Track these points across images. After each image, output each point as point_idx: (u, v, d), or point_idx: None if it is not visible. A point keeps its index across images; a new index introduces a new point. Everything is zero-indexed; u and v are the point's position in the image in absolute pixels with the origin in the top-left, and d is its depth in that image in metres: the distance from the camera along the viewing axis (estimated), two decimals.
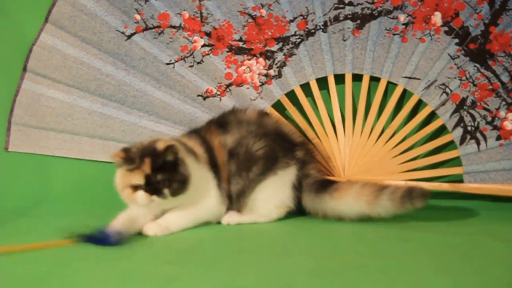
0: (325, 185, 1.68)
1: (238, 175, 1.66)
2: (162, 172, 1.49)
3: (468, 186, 1.90)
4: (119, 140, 1.97)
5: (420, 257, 1.29)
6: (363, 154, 1.93)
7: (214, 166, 1.65)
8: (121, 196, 1.54)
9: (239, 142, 1.68)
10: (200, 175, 1.59)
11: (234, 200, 1.67)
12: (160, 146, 1.51)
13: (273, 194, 1.69)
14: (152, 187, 1.49)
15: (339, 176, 1.93)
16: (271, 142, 1.70)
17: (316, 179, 1.71)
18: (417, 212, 1.70)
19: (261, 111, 1.82)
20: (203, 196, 1.61)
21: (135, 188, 1.50)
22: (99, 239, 1.41)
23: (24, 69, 1.97)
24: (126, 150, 1.53)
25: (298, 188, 1.70)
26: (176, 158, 1.52)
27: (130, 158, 1.50)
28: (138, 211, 1.56)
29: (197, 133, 1.73)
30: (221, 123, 1.73)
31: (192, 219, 1.60)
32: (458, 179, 1.93)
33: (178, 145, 1.53)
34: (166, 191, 1.49)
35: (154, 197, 1.49)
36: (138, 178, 1.49)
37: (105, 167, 1.98)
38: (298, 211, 1.73)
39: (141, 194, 1.49)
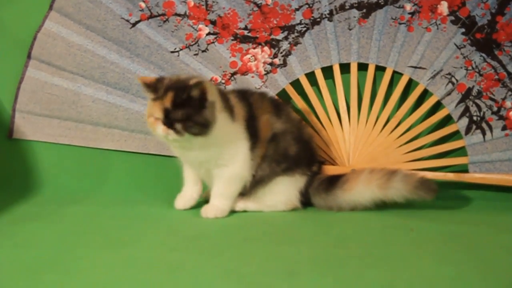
0: (333, 181, 1.69)
1: (268, 163, 1.66)
2: (183, 108, 1.48)
3: (473, 176, 1.90)
4: (123, 128, 1.97)
5: (424, 246, 1.29)
6: (368, 144, 1.92)
7: (252, 133, 1.64)
8: (148, 125, 1.55)
9: (283, 134, 1.68)
10: (229, 130, 1.59)
11: (250, 184, 1.66)
12: (192, 81, 1.50)
13: (283, 190, 1.69)
14: (170, 121, 1.49)
15: (343, 165, 1.93)
16: (303, 149, 1.72)
17: (322, 179, 1.71)
18: (422, 202, 1.70)
19: (301, 120, 1.86)
20: (233, 154, 1.61)
21: (157, 119, 1.50)
22: None
23: (29, 56, 1.96)
24: (158, 79, 1.54)
25: (304, 194, 1.71)
26: (202, 98, 1.49)
27: (154, 87, 1.51)
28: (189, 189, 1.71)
29: (244, 95, 1.70)
30: (275, 105, 1.73)
31: (232, 189, 1.63)
32: (463, 169, 1.92)
33: (209, 85, 1.52)
34: (178, 126, 1.49)
35: (171, 132, 1.49)
36: (159, 111, 1.49)
37: (109, 155, 1.98)
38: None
39: (159, 126, 1.50)
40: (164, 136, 1.51)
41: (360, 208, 1.65)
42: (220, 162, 1.60)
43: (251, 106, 1.67)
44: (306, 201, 1.73)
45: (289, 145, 1.68)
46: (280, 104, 1.76)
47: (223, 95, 1.61)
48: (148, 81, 1.52)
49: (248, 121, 1.64)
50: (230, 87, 1.96)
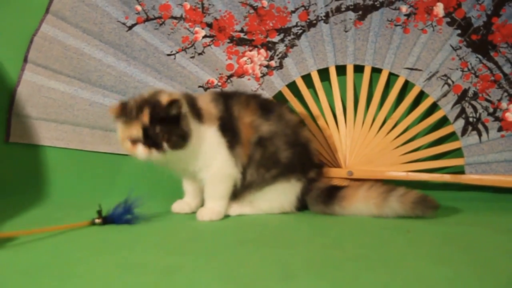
0: (331, 194, 1.67)
1: (255, 169, 1.64)
2: (161, 124, 1.48)
3: (470, 178, 1.90)
4: None
5: (421, 248, 1.29)
6: (365, 145, 1.93)
7: (229, 132, 1.62)
8: (123, 149, 1.55)
9: (272, 138, 1.66)
10: (198, 132, 1.57)
11: (238, 188, 1.66)
12: (164, 99, 1.49)
13: (277, 196, 1.69)
14: (150, 140, 1.48)
15: (340, 167, 1.93)
16: (297, 155, 1.69)
17: (321, 190, 1.70)
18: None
19: (302, 120, 1.87)
20: (211, 154, 1.60)
21: (134, 141, 1.50)
22: (115, 218, 1.50)
23: (25, 60, 1.97)
24: (123, 103, 1.52)
25: (300, 200, 1.70)
26: (178, 113, 1.49)
27: (127, 110, 1.50)
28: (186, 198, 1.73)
29: (220, 96, 1.68)
30: (264, 106, 1.70)
31: (220, 188, 1.63)
32: (460, 171, 1.92)
33: (182, 100, 1.51)
34: (164, 144, 1.48)
35: (153, 151, 1.49)
36: (136, 131, 1.48)
37: (106, 158, 1.98)
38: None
39: (140, 147, 1.49)
40: (146, 157, 1.50)
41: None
42: (201, 164, 1.60)
43: (228, 106, 1.65)
44: (302, 207, 1.72)
45: (280, 150, 1.66)
46: (271, 105, 1.73)
47: (189, 100, 1.59)
48: (116, 106, 1.52)
49: (223, 120, 1.62)
50: (226, 89, 1.96)
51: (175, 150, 1.50)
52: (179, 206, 1.73)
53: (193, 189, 1.72)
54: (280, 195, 1.68)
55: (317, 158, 1.82)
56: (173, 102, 1.48)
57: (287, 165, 1.66)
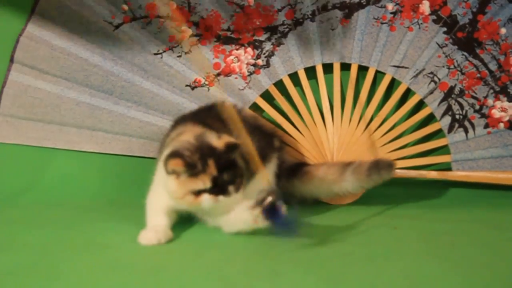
0: (295, 170, 1.70)
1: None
2: (226, 171, 1.40)
3: (457, 174, 1.91)
4: (107, 130, 1.96)
5: (408, 244, 1.30)
6: (352, 143, 1.93)
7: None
8: (180, 203, 1.42)
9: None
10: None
11: None
12: (218, 144, 1.42)
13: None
14: (218, 188, 1.39)
15: None
16: (257, 140, 1.58)
17: (288, 165, 1.71)
18: (405, 200, 1.71)
19: (236, 106, 1.77)
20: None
21: (198, 192, 1.39)
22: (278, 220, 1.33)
23: (11, 60, 1.96)
24: (181, 156, 1.38)
25: (279, 175, 1.68)
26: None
27: (191, 164, 1.37)
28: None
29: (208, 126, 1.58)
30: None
31: None
32: (447, 167, 1.93)
33: (236, 141, 1.43)
34: (231, 188, 1.39)
35: (220, 197, 1.39)
36: (204, 182, 1.38)
37: (93, 157, 1.98)
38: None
39: (206, 197, 1.38)
40: (212, 205, 1.39)
41: (321, 200, 1.71)
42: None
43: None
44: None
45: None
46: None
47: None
48: (180, 163, 1.37)
49: None
50: (213, 88, 1.96)
51: (239, 191, 1.42)
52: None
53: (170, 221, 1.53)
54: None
55: (268, 125, 1.81)
56: (230, 145, 1.41)
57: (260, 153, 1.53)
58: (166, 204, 1.45)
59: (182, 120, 1.69)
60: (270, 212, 1.30)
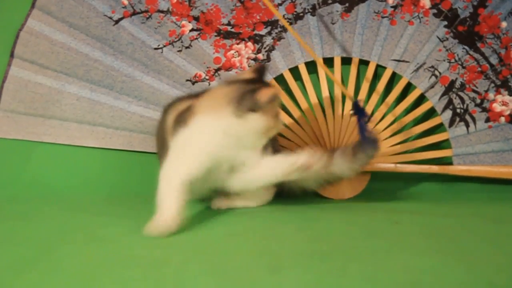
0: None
1: None
2: None
3: (458, 169, 1.91)
4: (108, 125, 1.96)
5: (409, 238, 1.30)
6: (353, 137, 1.93)
7: None
8: (269, 133, 1.50)
9: None
10: None
11: None
12: (249, 72, 1.55)
13: None
14: None
15: None
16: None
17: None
18: (406, 194, 1.71)
19: None
20: None
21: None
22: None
23: (11, 55, 1.95)
24: (268, 85, 1.53)
25: None
26: None
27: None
28: None
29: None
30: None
31: None
32: (448, 162, 1.93)
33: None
34: None
35: None
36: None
37: (93, 152, 1.97)
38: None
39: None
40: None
41: (309, 189, 1.70)
42: None
43: None
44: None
45: None
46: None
47: None
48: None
49: None
50: (214, 83, 1.96)
51: None
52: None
53: None
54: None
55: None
56: (258, 67, 1.56)
57: None
58: (192, 171, 1.44)
59: (175, 102, 1.68)
60: (359, 110, 1.64)
